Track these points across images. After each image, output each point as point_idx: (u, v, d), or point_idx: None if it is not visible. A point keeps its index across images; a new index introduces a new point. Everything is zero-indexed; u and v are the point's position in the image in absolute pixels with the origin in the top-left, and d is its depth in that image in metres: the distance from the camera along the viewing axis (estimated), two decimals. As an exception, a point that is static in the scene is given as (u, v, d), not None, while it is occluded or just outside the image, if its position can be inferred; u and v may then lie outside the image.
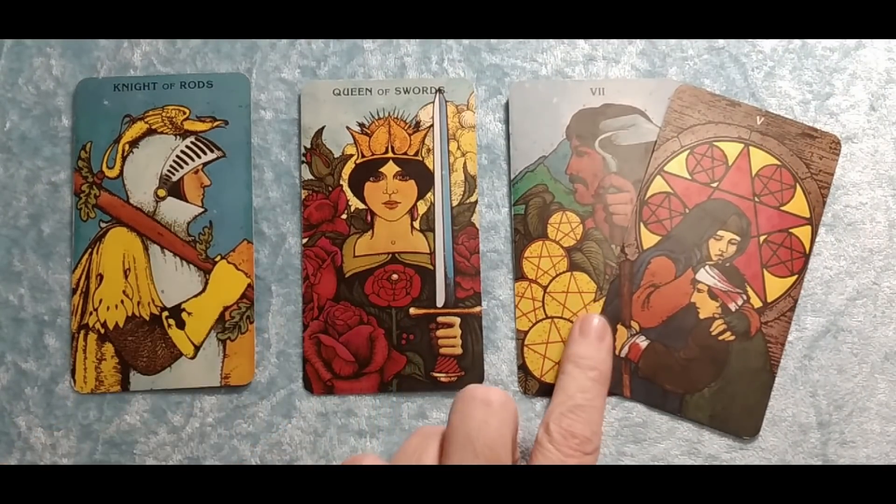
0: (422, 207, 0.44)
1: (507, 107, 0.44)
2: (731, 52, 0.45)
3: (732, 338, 0.42)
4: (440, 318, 0.43)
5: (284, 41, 0.45)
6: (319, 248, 0.43)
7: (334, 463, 0.42)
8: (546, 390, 0.42)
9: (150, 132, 0.44)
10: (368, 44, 0.45)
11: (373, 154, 0.44)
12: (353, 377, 0.43)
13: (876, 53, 0.45)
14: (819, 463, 0.42)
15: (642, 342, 0.43)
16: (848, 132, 0.44)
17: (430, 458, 0.35)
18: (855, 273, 0.43)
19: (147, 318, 0.43)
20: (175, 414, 0.43)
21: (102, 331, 0.43)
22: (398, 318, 0.43)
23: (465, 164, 0.44)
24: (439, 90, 0.44)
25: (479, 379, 0.43)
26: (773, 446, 0.42)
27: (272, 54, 0.45)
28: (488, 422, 0.35)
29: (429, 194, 0.44)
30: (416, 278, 0.43)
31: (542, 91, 0.44)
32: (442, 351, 0.43)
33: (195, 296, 0.43)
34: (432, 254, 0.43)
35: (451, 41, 0.45)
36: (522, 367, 0.43)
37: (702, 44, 0.45)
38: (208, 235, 0.43)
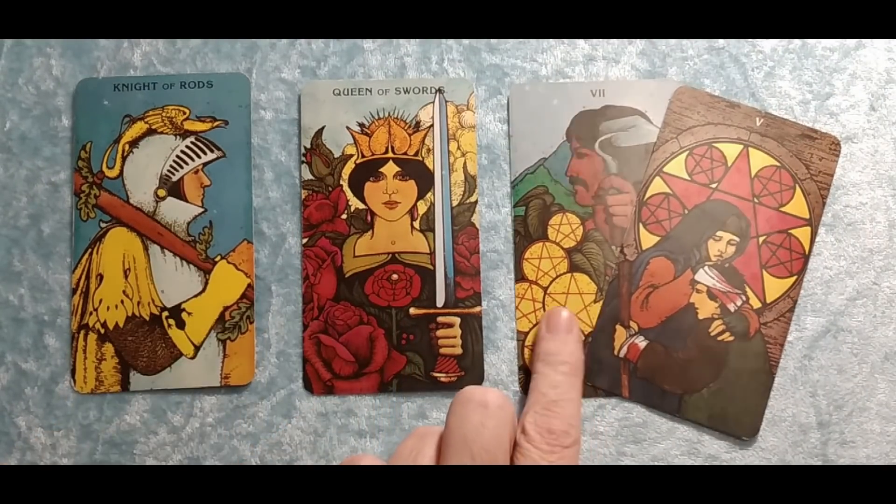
0: (422, 207, 0.44)
1: (507, 107, 0.44)
2: (731, 52, 0.45)
3: (731, 338, 0.42)
4: (440, 318, 0.43)
5: (284, 41, 0.45)
6: (319, 248, 0.43)
7: (334, 463, 0.42)
8: (546, 390, 0.42)
9: (150, 132, 0.44)
10: (368, 44, 0.45)
11: (373, 154, 0.44)
12: (353, 377, 0.43)
13: (876, 53, 0.45)
14: (819, 463, 0.42)
15: (641, 342, 0.43)
16: (848, 132, 0.44)
17: (426, 459, 0.35)
18: (855, 273, 0.43)
19: (147, 318, 0.43)
20: (175, 414, 0.43)
21: (102, 331, 0.43)
22: (398, 318, 0.43)
23: (465, 164, 0.44)
24: (439, 90, 0.44)
25: (480, 379, 0.43)
26: (773, 446, 0.42)
27: (272, 54, 0.45)
28: (485, 424, 0.35)
29: (429, 194, 0.44)
30: (416, 278, 0.43)
31: (542, 93, 0.44)
32: (442, 351, 0.43)
33: (195, 296, 0.43)
34: (432, 254, 0.43)
35: (451, 41, 0.45)
36: (523, 368, 0.43)
37: (702, 44, 0.45)
38: (208, 235, 0.43)
